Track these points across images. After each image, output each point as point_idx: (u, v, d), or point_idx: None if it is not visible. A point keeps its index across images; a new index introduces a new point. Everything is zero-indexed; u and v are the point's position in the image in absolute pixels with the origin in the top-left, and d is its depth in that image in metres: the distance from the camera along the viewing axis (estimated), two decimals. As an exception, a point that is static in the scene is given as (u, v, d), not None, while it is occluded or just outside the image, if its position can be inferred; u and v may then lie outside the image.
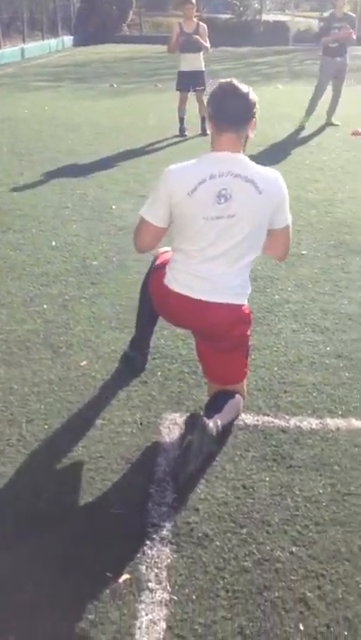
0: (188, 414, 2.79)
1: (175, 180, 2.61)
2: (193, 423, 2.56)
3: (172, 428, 2.92)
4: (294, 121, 9.98)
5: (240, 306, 2.74)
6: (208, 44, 8.99)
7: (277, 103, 11.79)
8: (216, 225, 2.58)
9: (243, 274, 2.72)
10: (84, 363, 3.42)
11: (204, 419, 2.59)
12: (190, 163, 2.66)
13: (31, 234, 5.31)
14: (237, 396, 2.88)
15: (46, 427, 2.92)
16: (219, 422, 2.65)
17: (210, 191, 2.55)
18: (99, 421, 2.96)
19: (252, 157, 2.64)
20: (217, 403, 2.82)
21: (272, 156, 7.79)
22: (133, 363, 3.38)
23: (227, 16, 28.17)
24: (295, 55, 22.54)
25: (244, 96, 2.58)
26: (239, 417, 2.95)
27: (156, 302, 2.98)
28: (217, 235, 2.60)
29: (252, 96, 2.59)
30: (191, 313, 2.73)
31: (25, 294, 4.22)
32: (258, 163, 2.65)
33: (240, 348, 2.86)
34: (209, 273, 2.65)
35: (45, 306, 4.05)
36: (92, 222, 5.59)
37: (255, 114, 2.60)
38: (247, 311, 2.80)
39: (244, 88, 2.59)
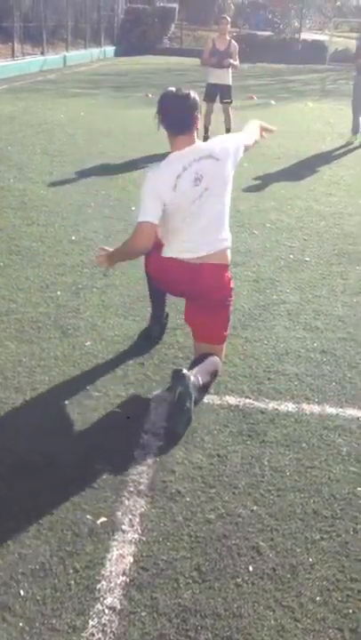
0: (173, 369, 3.16)
1: (157, 181, 3.14)
2: (178, 376, 2.98)
3: (161, 403, 3.23)
4: (318, 136, 10.27)
5: (225, 267, 3.29)
6: (238, 63, 9.49)
7: (304, 119, 12.10)
8: (199, 201, 3.16)
9: (225, 223, 3.29)
10: (89, 343, 3.75)
11: (187, 371, 3.02)
12: (162, 165, 3.19)
13: (54, 228, 5.69)
14: (217, 358, 3.32)
15: (48, 395, 3.25)
16: (199, 377, 3.06)
17: (186, 180, 3.11)
18: (95, 393, 3.28)
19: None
20: (199, 360, 3.27)
21: (291, 169, 8.03)
22: (150, 331, 3.82)
23: (266, 33, 28.62)
24: (330, 74, 22.84)
25: (186, 100, 3.11)
26: (217, 378, 3.34)
27: (155, 274, 3.44)
28: (201, 208, 3.17)
29: (193, 96, 3.13)
30: (185, 274, 3.21)
31: (42, 281, 4.57)
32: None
33: (223, 310, 3.36)
34: (200, 238, 3.20)
35: (59, 292, 4.40)
36: (112, 221, 5.95)
37: (199, 111, 3.19)
38: (229, 277, 3.34)
39: (184, 92, 3.13)
